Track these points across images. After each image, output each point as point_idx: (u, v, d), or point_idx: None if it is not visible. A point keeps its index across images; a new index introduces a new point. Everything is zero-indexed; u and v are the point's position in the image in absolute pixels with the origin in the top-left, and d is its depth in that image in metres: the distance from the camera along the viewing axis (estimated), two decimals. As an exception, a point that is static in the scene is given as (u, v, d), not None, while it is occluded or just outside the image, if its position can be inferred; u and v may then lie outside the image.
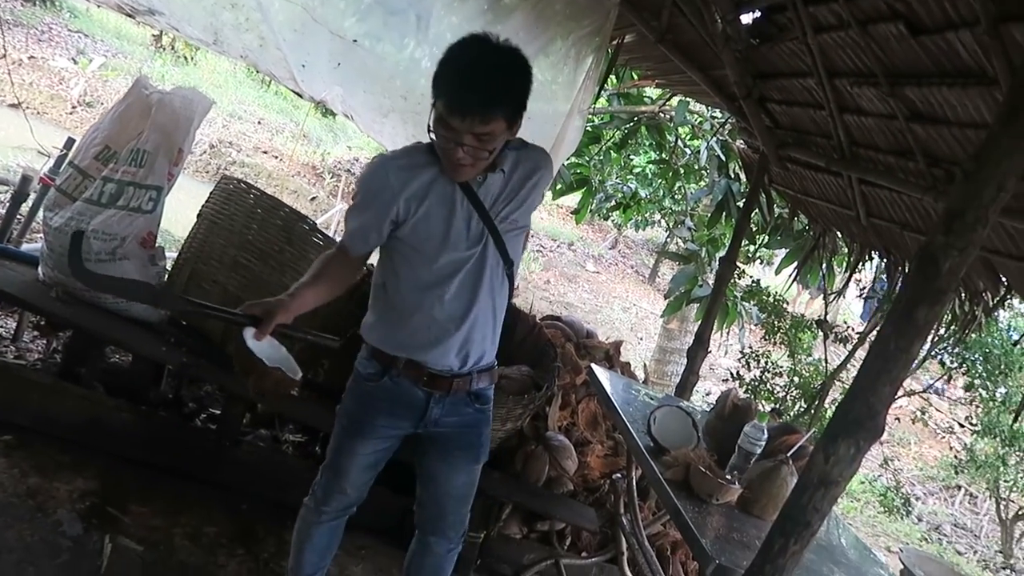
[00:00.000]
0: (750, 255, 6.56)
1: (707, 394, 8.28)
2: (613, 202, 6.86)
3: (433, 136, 1.76)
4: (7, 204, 3.76)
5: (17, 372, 2.80)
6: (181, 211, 4.12)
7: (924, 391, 5.21)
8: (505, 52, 1.76)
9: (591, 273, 13.89)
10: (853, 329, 5.27)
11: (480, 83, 1.70)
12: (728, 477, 2.31)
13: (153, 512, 2.61)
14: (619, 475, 3.16)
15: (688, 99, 5.03)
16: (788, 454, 2.32)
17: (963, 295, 3.19)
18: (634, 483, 2.93)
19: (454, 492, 2.10)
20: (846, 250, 4.11)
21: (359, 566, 2.77)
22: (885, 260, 3.56)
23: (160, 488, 2.72)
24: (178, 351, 2.90)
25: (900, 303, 1.65)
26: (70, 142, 3.69)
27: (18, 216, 3.66)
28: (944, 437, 9.69)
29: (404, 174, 1.83)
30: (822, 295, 4.74)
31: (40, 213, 3.45)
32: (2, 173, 5.66)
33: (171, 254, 3.13)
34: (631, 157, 7.12)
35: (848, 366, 4.82)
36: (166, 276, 3.05)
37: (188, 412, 3.25)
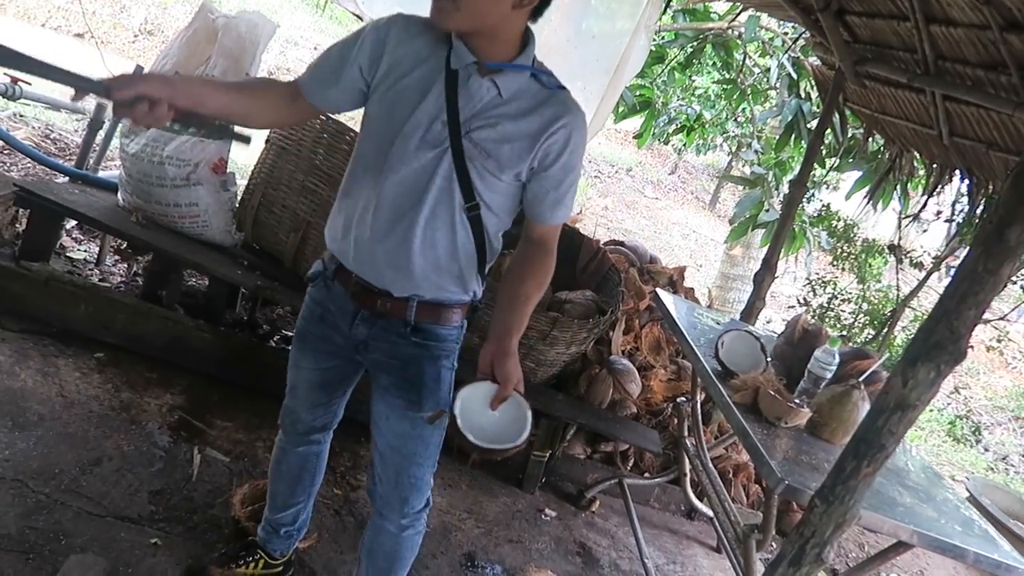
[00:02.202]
0: (816, 179, 6.34)
1: (768, 321, 8.18)
2: (676, 125, 6.67)
3: None
4: (84, 132, 3.86)
5: (104, 293, 2.93)
6: (247, 138, 4.17)
7: (1001, 318, 5.03)
8: None
9: (650, 199, 13.66)
10: (929, 253, 5.08)
11: None
12: (797, 401, 2.30)
13: (236, 426, 2.75)
14: (683, 399, 3.18)
15: (759, 13, 4.80)
16: (860, 379, 2.30)
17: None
18: (698, 407, 2.94)
19: (395, 443, 1.76)
20: (923, 172, 3.94)
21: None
22: (967, 181, 3.41)
23: (241, 404, 2.85)
24: (252, 274, 2.99)
25: (990, 223, 1.59)
26: (139, 69, 3.75)
27: (94, 144, 3.76)
28: (1016, 367, 9.41)
29: (404, 35, 1.57)
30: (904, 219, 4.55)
31: (116, 140, 3.54)
32: (75, 102, 5.79)
33: (241, 181, 3.20)
34: (693, 78, 6.88)
35: (919, 293, 4.69)
36: (237, 201, 3.12)
37: (263, 333, 3.37)
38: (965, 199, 3.56)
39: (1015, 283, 4.62)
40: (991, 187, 3.27)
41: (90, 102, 3.71)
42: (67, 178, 3.34)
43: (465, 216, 1.60)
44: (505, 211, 1.66)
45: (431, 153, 1.55)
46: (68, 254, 3.41)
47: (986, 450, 7.11)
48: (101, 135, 3.81)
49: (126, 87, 1.32)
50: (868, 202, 4.17)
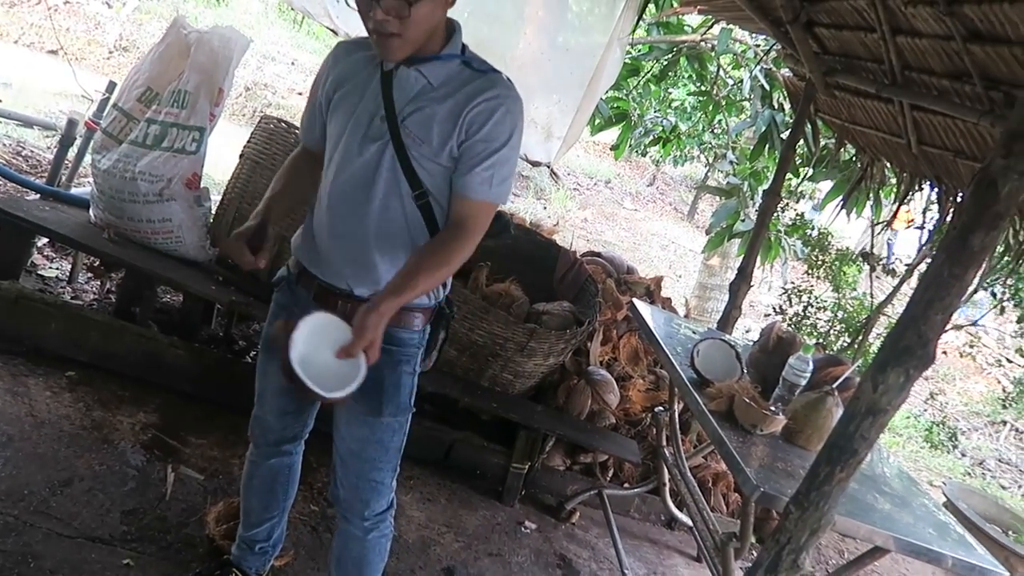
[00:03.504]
0: (791, 189, 6.41)
1: (747, 331, 8.23)
2: (652, 137, 6.72)
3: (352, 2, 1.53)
4: (55, 149, 3.82)
5: (76, 311, 2.89)
6: (220, 154, 4.15)
7: (972, 324, 5.10)
8: None
9: (629, 211, 13.73)
10: (901, 261, 5.15)
11: None
12: (772, 408, 2.31)
13: (211, 443, 2.72)
14: (661, 408, 3.19)
15: (731, 26, 4.86)
16: (834, 385, 2.32)
17: (1018, 223, 3.10)
18: (676, 416, 2.95)
19: (354, 447, 1.76)
20: (894, 180, 4.00)
21: (408, 495, 2.86)
22: (936, 189, 3.47)
23: (216, 421, 2.82)
24: (227, 289, 2.97)
25: (955, 229, 1.61)
26: (112, 86, 3.72)
27: (66, 161, 3.72)
28: (990, 372, 9.54)
29: (343, 55, 1.72)
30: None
31: (88, 156, 3.51)
32: (47, 118, 5.74)
33: (215, 197, 3.18)
34: (669, 90, 6.93)
35: (894, 300, 4.74)
36: (212, 216, 3.10)
37: (238, 349, 3.34)
38: (935, 207, 3.61)
39: (986, 289, 4.69)
40: (958, 195, 3.32)
41: (61, 118, 3.68)
42: (38, 195, 3.29)
43: (415, 204, 1.63)
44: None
45: (374, 147, 1.61)
46: (39, 272, 3.37)
47: (963, 455, 7.19)
48: (73, 152, 3.77)
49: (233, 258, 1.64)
50: (841, 210, 4.21)
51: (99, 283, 3.48)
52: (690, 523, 3.09)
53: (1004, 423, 8.30)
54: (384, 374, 1.70)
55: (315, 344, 1.51)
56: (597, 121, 5.63)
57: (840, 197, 4.48)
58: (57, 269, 3.48)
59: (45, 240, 3.47)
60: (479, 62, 1.64)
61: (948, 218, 3.47)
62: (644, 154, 9.77)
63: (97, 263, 3.33)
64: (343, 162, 1.64)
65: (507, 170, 1.63)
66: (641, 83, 5.93)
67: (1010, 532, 4.81)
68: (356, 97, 1.65)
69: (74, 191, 3.43)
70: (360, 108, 1.63)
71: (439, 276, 1.62)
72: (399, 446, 1.80)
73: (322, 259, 1.70)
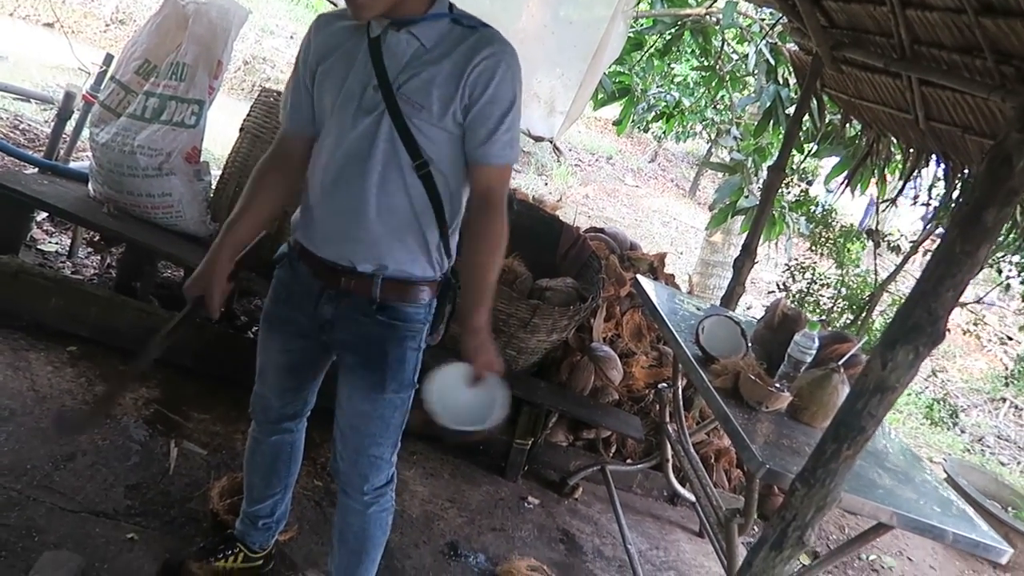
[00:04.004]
0: (794, 166, 6.36)
1: (748, 307, 8.22)
2: (655, 112, 6.65)
3: None
4: (53, 122, 3.78)
5: (76, 286, 2.88)
6: (219, 129, 4.11)
7: (977, 302, 5.09)
8: None
9: (630, 187, 13.67)
10: (906, 237, 5.12)
11: None
12: (778, 385, 2.30)
13: (213, 418, 2.71)
14: (664, 385, 3.19)
15: (737, -1, 4.80)
16: (840, 362, 2.31)
17: (1026, 200, 3.07)
18: (680, 392, 2.95)
19: (355, 422, 1.75)
20: (899, 157, 3.96)
21: (411, 470, 2.86)
22: (944, 166, 3.43)
23: (218, 396, 2.82)
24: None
25: (967, 205, 1.60)
26: (109, 58, 3.68)
27: (64, 134, 3.68)
28: (991, 350, 9.55)
29: (323, 26, 1.65)
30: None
31: (86, 130, 3.47)
32: (45, 92, 5.68)
33: (215, 171, 3.14)
34: (672, 66, 6.85)
35: (897, 277, 4.73)
36: (212, 191, 3.07)
37: (240, 324, 3.33)
38: (941, 183, 3.58)
39: (991, 266, 4.67)
40: (967, 171, 3.29)
41: (59, 91, 3.64)
42: (36, 169, 3.26)
43: (416, 176, 1.58)
44: (455, 165, 1.62)
45: (368, 119, 1.55)
46: (39, 246, 3.35)
47: (963, 432, 7.21)
48: (71, 125, 3.73)
49: (211, 294, 1.71)
50: (846, 187, 4.18)
51: (99, 258, 3.46)
52: (693, 499, 3.10)
53: (1004, 400, 8.32)
54: (388, 349, 1.69)
55: (450, 392, 1.58)
56: (600, 96, 5.57)
57: (844, 173, 4.45)
58: (57, 244, 3.46)
59: (44, 214, 3.45)
60: (468, 18, 1.58)
61: (955, 194, 3.44)
62: (646, 130, 9.70)
63: (97, 238, 3.31)
64: (337, 137, 1.59)
65: (517, 127, 1.62)
66: (644, 57, 5.86)
67: (1009, 508, 4.84)
68: (343, 69, 1.59)
69: (72, 165, 3.40)
70: (350, 79, 1.57)
71: (500, 258, 1.65)
72: (400, 422, 1.79)
73: (322, 237, 1.66)
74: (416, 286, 1.68)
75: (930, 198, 4.00)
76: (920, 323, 1.60)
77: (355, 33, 1.59)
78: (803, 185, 5.83)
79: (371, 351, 1.70)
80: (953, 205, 3.58)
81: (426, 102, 1.53)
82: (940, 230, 4.23)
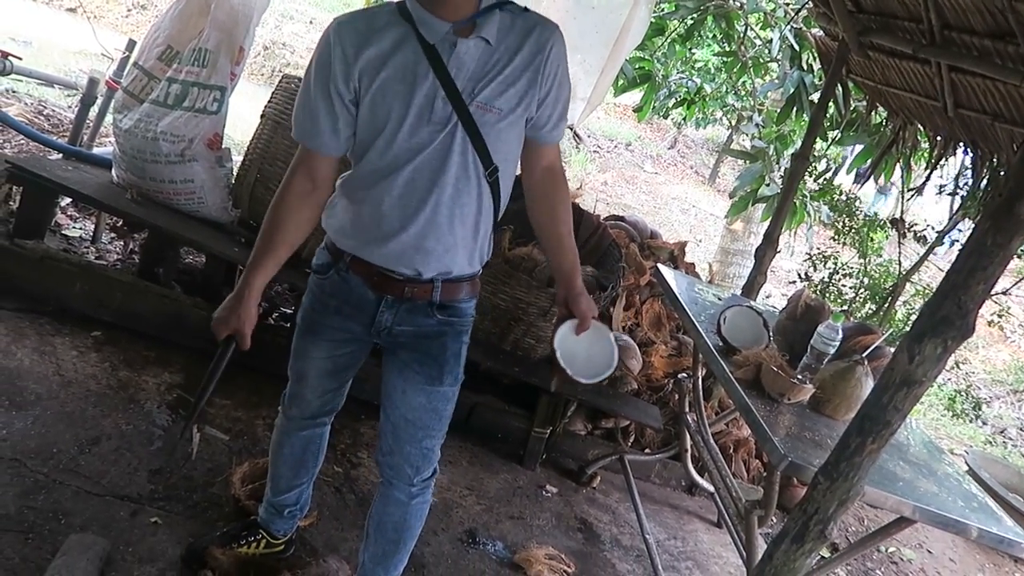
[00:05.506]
0: (816, 154, 6.27)
1: (768, 296, 8.16)
2: (676, 98, 6.59)
3: None
4: (76, 108, 3.81)
5: (100, 271, 2.90)
6: (240, 115, 4.12)
7: (1004, 292, 5.02)
8: None
9: (649, 174, 13.58)
10: (932, 227, 5.04)
11: None
12: (800, 377, 2.28)
13: (235, 404, 2.74)
14: (684, 374, 3.17)
15: (761, -16, 4.72)
16: (864, 355, 2.28)
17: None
18: (699, 382, 2.93)
19: (410, 415, 1.75)
20: (926, 145, 3.89)
21: (430, 458, 2.87)
22: (971, 154, 3.37)
23: (239, 382, 2.83)
24: (249, 251, 2.95)
25: (999, 196, 1.56)
26: (132, 44, 3.70)
27: (87, 120, 3.71)
28: (1015, 341, 9.41)
29: (359, 39, 1.51)
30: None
31: (109, 116, 3.50)
32: (68, 77, 5.72)
33: (236, 157, 3.15)
34: (693, 51, 6.77)
35: (920, 267, 4.66)
36: (233, 177, 3.08)
37: (261, 311, 3.34)
38: (969, 172, 3.52)
39: (1019, 256, 4.59)
40: (996, 160, 3.23)
41: (82, 77, 3.65)
42: (60, 155, 3.29)
43: (486, 182, 1.60)
44: (513, 159, 1.66)
45: (441, 133, 1.52)
46: (63, 232, 3.38)
47: (984, 424, 7.13)
48: (94, 111, 3.75)
49: (242, 333, 1.73)
50: (870, 175, 4.12)
51: (122, 243, 3.49)
52: (711, 489, 3.09)
53: (1027, 392, 8.22)
54: (448, 345, 1.73)
55: (577, 353, 1.78)
56: (621, 82, 5.52)
57: (869, 162, 4.38)
58: (80, 229, 3.49)
59: (68, 200, 3.48)
60: (510, 3, 1.57)
61: (983, 184, 3.38)
62: (666, 116, 9.62)
63: (120, 223, 3.34)
64: (406, 153, 1.53)
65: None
66: (666, 43, 5.79)
67: (1032, 502, 4.77)
68: (402, 84, 1.50)
69: (96, 151, 3.42)
70: (416, 93, 1.50)
71: (572, 222, 1.79)
72: (450, 414, 1.82)
73: (388, 250, 1.62)
74: (469, 282, 1.74)
75: (957, 187, 3.93)
76: (949, 316, 1.57)
77: (402, 42, 1.51)
78: (827, 175, 5.75)
79: (430, 347, 1.73)
80: (980, 194, 3.52)
81: (503, 105, 1.54)
82: (967, 221, 4.16)
